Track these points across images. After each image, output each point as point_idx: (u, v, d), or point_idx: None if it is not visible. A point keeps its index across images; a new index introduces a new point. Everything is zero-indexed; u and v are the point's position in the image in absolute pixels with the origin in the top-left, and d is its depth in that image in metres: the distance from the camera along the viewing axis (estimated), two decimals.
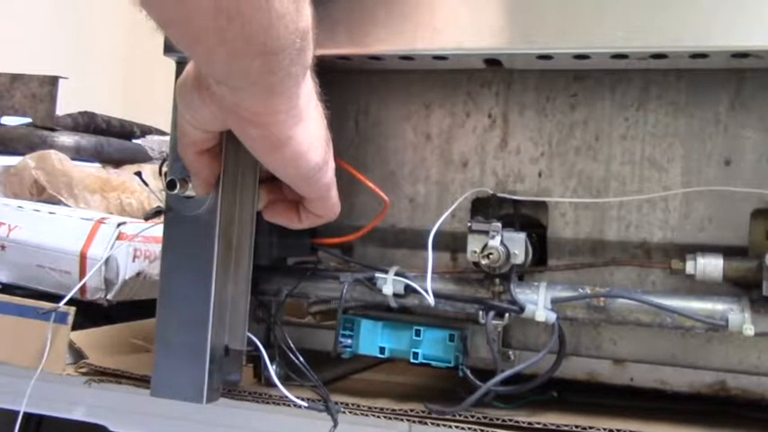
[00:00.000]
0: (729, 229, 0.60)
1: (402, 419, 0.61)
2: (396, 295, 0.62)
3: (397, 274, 0.62)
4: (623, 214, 0.63)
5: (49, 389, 0.74)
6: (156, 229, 0.82)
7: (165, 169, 0.62)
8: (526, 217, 0.65)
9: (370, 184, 0.63)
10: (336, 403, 0.61)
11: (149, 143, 1.22)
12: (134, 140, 1.28)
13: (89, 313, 0.83)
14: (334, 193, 0.59)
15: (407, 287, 0.61)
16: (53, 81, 1.17)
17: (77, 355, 0.75)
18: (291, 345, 0.64)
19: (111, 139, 1.23)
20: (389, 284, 0.62)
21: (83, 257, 0.83)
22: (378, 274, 0.62)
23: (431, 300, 0.60)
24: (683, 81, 0.61)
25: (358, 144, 0.69)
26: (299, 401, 0.61)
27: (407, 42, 0.59)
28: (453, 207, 0.65)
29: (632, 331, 0.63)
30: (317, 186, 0.57)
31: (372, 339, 0.64)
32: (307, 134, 0.52)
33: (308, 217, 0.60)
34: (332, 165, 0.57)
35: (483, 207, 0.65)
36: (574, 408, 0.62)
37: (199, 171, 0.56)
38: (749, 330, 0.55)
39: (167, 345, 0.59)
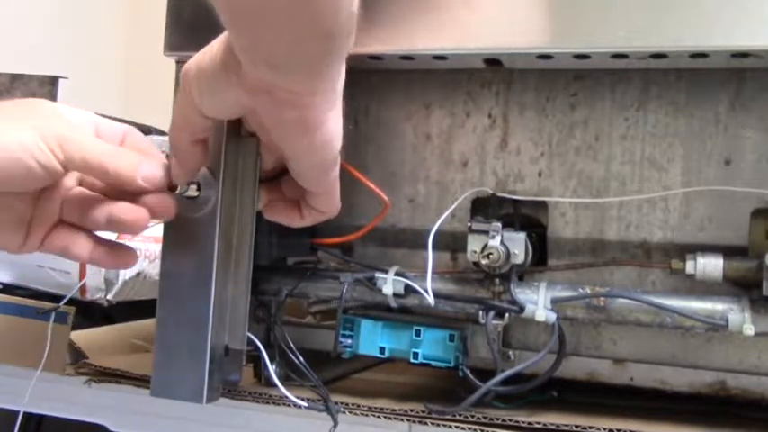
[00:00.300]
0: (729, 229, 0.60)
1: (402, 419, 0.61)
2: (396, 295, 0.62)
3: (397, 273, 0.62)
4: (623, 214, 0.63)
5: (49, 389, 0.74)
6: (156, 229, 0.82)
7: None
8: (526, 217, 0.65)
9: (371, 185, 0.63)
10: (336, 403, 0.61)
11: None
12: None
13: (89, 313, 0.83)
14: (338, 188, 0.59)
15: (407, 287, 0.61)
16: (53, 81, 1.17)
17: (77, 355, 0.75)
18: (291, 345, 0.64)
19: None
20: (389, 284, 0.62)
21: None
22: (378, 274, 0.62)
23: (431, 300, 0.60)
24: (683, 81, 0.61)
25: (358, 144, 0.69)
26: (299, 401, 0.61)
27: (407, 42, 0.59)
28: (453, 207, 0.65)
29: (632, 331, 0.63)
30: (329, 179, 0.56)
31: (372, 339, 0.64)
32: (335, 121, 0.52)
33: (311, 214, 0.59)
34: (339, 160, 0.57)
35: (483, 207, 0.65)
36: (574, 408, 0.62)
37: (187, 160, 0.55)
38: (749, 330, 0.55)
39: (167, 345, 0.59)
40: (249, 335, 0.60)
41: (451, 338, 0.62)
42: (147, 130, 1.33)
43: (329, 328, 0.67)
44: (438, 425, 0.60)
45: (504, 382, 0.59)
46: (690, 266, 0.58)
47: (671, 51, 0.55)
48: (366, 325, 0.64)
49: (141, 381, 0.69)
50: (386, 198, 0.63)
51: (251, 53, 0.47)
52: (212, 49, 0.50)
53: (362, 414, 0.62)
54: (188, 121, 0.53)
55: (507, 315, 0.60)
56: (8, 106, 0.53)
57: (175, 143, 0.55)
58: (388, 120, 0.68)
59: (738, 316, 0.56)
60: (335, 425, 0.60)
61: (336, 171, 0.57)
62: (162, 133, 1.30)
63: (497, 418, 0.59)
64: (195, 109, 0.52)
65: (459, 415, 0.59)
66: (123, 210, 0.53)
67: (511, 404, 0.61)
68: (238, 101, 0.50)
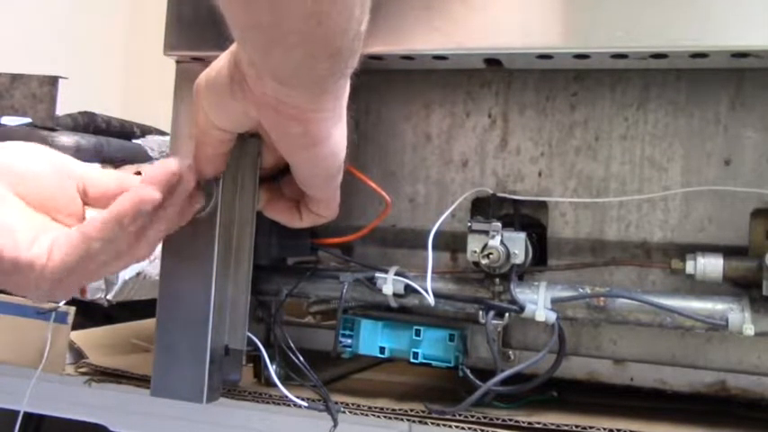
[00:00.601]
0: (729, 229, 0.60)
1: (402, 419, 0.61)
2: (396, 295, 0.62)
3: (397, 273, 0.62)
4: (623, 214, 0.63)
5: (49, 389, 0.74)
6: None
7: None
8: (526, 217, 0.65)
9: (373, 185, 0.63)
10: (336, 403, 0.61)
11: (149, 143, 1.22)
12: (134, 140, 1.28)
13: (89, 313, 0.83)
14: (338, 195, 0.59)
15: (407, 287, 0.61)
16: (53, 81, 1.17)
17: (77, 355, 0.75)
18: (291, 345, 0.64)
19: (111, 139, 1.23)
20: (389, 284, 0.61)
21: None
22: (378, 274, 0.62)
23: (431, 299, 0.60)
24: (683, 81, 0.61)
25: (358, 144, 0.69)
26: (299, 401, 0.61)
27: (407, 42, 0.59)
28: (453, 207, 0.65)
29: (632, 331, 0.63)
30: (332, 188, 0.57)
31: (372, 339, 0.64)
32: (341, 134, 0.53)
33: (309, 216, 0.60)
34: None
35: (483, 207, 0.65)
36: (574, 408, 0.62)
37: (207, 172, 0.55)
38: (749, 330, 0.55)
39: (167, 345, 0.59)
40: (249, 335, 0.60)
41: (451, 338, 0.62)
42: (147, 130, 1.33)
43: (329, 328, 0.67)
44: (438, 425, 0.60)
45: (504, 382, 0.59)
46: (690, 266, 0.58)
47: (671, 51, 0.55)
48: (366, 325, 0.64)
49: (141, 381, 0.69)
50: (387, 197, 0.63)
51: (258, 67, 0.47)
52: (219, 63, 0.50)
53: (362, 414, 0.62)
54: (207, 135, 0.53)
55: (507, 315, 0.60)
56: None
57: (198, 156, 0.55)
58: (389, 119, 0.68)
59: (738, 316, 0.56)
60: (335, 425, 0.60)
61: (339, 179, 0.57)
62: (162, 133, 1.30)
63: (497, 418, 0.59)
64: (211, 122, 0.52)
65: (459, 415, 0.59)
66: None
67: (511, 404, 0.61)
68: (246, 113, 0.50)
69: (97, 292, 0.83)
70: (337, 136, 0.52)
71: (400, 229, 0.68)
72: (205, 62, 0.52)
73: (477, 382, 0.60)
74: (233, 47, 0.49)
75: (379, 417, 0.61)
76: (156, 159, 1.18)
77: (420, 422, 0.61)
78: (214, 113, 0.52)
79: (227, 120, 0.52)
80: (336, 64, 0.46)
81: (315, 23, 0.42)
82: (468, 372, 0.61)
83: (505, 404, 0.61)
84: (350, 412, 0.62)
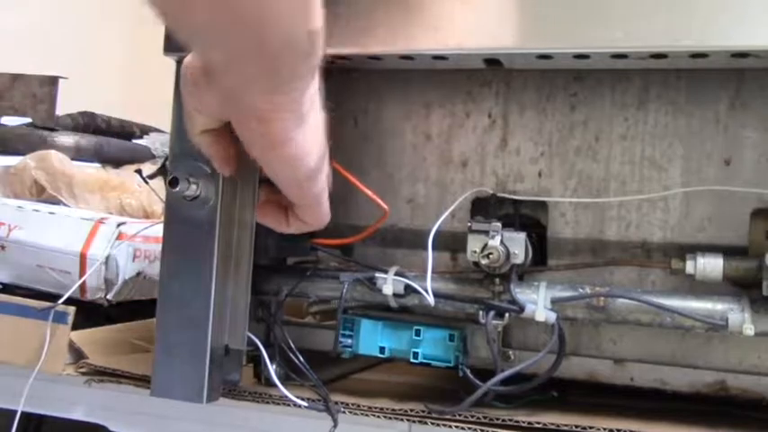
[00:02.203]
0: (729, 228, 0.60)
1: (402, 419, 0.61)
2: (396, 295, 0.62)
3: (397, 273, 0.62)
4: (623, 214, 0.63)
5: (48, 389, 0.74)
6: (156, 229, 0.82)
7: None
8: (526, 217, 0.65)
9: (369, 192, 0.63)
10: (336, 403, 0.61)
11: (152, 140, 1.22)
12: (134, 140, 1.28)
13: (89, 313, 0.83)
14: (325, 202, 0.58)
15: (407, 287, 0.61)
16: (53, 81, 1.17)
17: (77, 354, 0.75)
18: (291, 345, 0.64)
19: (111, 139, 1.23)
20: (389, 284, 0.61)
21: (83, 257, 0.83)
22: (378, 274, 0.62)
23: (431, 299, 0.60)
24: (683, 81, 0.61)
25: (357, 144, 0.69)
26: (299, 401, 0.61)
27: (407, 42, 0.59)
28: (453, 207, 0.65)
29: (632, 331, 0.63)
30: (308, 193, 0.56)
31: (372, 339, 0.64)
32: (307, 137, 0.51)
33: (296, 222, 0.59)
34: (325, 173, 0.56)
35: (483, 207, 0.65)
36: (574, 408, 0.62)
37: (209, 152, 0.55)
38: (749, 330, 0.55)
39: (167, 345, 0.59)
40: (249, 335, 0.61)
41: (451, 338, 0.62)
42: (147, 130, 1.33)
43: (329, 328, 0.67)
44: (438, 425, 0.60)
45: (504, 382, 0.59)
46: (690, 266, 0.58)
47: (671, 51, 0.55)
48: (366, 325, 0.64)
49: (141, 381, 0.69)
50: (385, 206, 0.63)
51: (205, 62, 0.47)
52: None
53: (362, 414, 0.62)
54: (188, 116, 0.54)
55: (507, 315, 0.60)
56: None
57: (191, 139, 0.55)
58: (388, 120, 0.68)
59: (738, 316, 0.56)
60: (335, 425, 0.60)
61: (319, 186, 0.56)
62: (163, 133, 1.30)
63: (497, 418, 0.59)
64: (192, 105, 0.52)
65: (459, 415, 0.59)
66: None
67: (511, 404, 0.61)
68: (218, 103, 0.50)
69: (97, 291, 0.83)
70: (300, 140, 0.50)
71: (400, 230, 0.68)
72: None
73: (477, 382, 0.60)
74: None
75: (379, 417, 0.61)
76: (159, 157, 1.19)
77: (420, 422, 0.61)
78: (192, 100, 0.52)
79: (203, 106, 0.52)
80: (278, 62, 0.44)
81: (246, 23, 0.41)
82: (468, 372, 0.61)
83: (505, 404, 0.61)
84: (350, 412, 0.62)
